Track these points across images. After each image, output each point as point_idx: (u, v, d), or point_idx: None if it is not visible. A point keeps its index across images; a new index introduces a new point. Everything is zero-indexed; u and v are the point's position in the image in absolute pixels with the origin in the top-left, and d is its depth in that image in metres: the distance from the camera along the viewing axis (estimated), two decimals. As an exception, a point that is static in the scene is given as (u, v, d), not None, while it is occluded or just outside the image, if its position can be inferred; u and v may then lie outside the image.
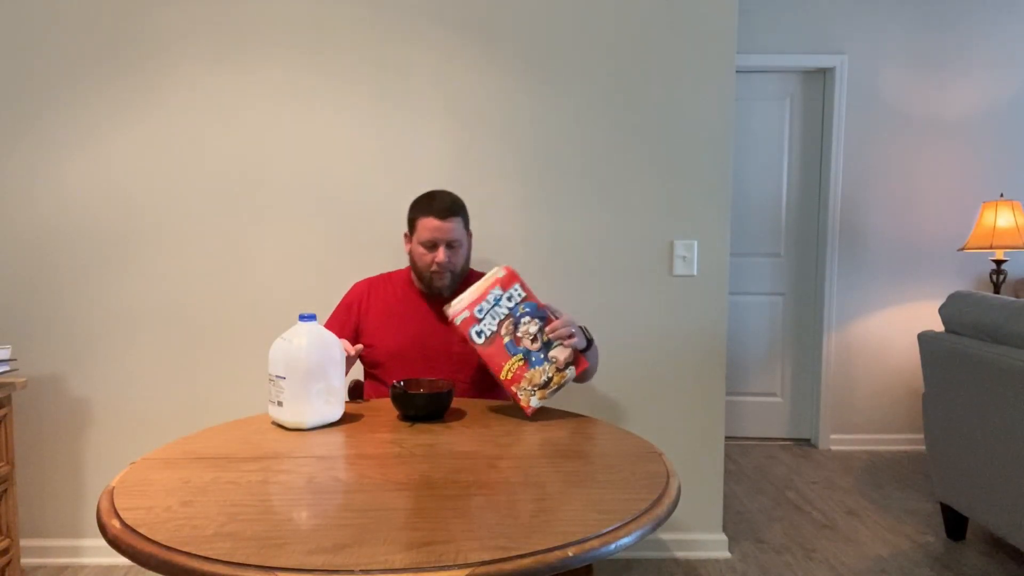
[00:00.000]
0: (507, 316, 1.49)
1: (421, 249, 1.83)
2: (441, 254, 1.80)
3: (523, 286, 1.53)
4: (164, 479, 1.17)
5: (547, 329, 1.55)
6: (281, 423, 1.50)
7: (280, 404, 1.48)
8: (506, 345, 1.48)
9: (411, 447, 1.36)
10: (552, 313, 1.59)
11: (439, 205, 1.80)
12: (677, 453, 2.46)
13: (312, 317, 1.53)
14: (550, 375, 1.49)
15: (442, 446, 1.36)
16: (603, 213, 2.39)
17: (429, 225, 1.80)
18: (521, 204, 2.39)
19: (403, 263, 2.35)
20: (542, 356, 1.50)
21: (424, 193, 1.88)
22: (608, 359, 2.43)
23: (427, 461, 1.27)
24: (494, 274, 1.53)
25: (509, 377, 1.47)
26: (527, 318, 1.50)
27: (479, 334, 1.48)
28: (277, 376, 1.48)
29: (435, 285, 1.84)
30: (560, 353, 1.51)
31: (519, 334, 1.49)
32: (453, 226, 1.80)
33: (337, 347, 1.54)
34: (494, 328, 1.48)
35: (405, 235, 1.93)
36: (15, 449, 2.39)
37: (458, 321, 1.49)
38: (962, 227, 3.77)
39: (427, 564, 0.87)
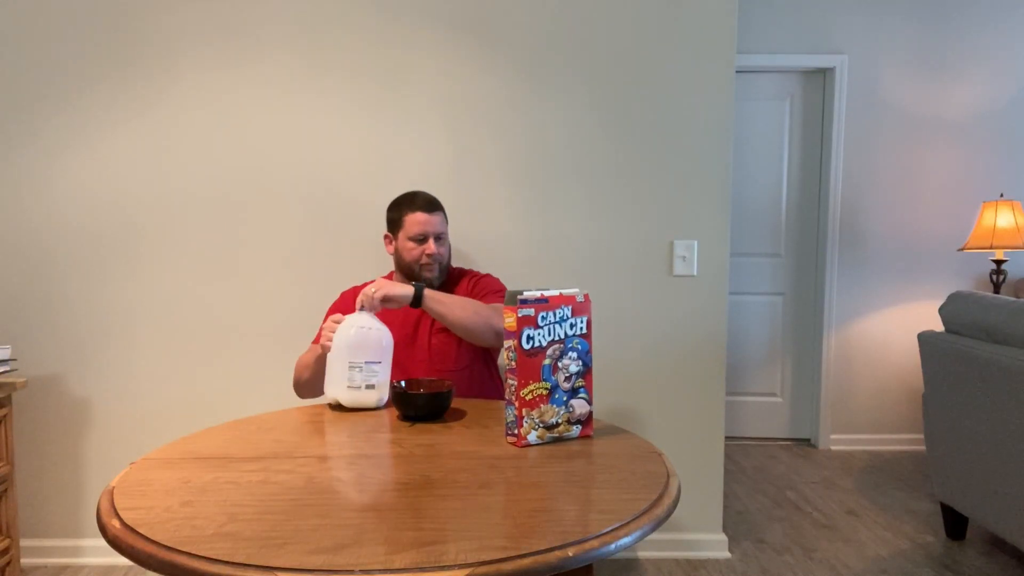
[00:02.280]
0: (560, 340, 1.39)
1: (410, 244, 1.90)
2: (431, 245, 1.88)
3: (589, 323, 1.44)
4: (164, 479, 1.17)
5: None
6: (365, 405, 1.61)
7: (372, 387, 1.60)
8: (543, 367, 1.38)
9: (411, 447, 1.36)
10: None
11: (423, 200, 1.91)
12: (677, 453, 2.46)
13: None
14: (560, 421, 1.40)
15: (442, 446, 1.36)
16: (603, 213, 2.39)
17: (418, 219, 1.89)
18: (520, 204, 2.39)
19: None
20: (565, 398, 1.40)
21: (403, 194, 1.98)
22: (608, 359, 2.43)
23: (427, 461, 1.27)
24: (573, 293, 1.43)
25: (528, 398, 1.36)
26: (574, 354, 1.41)
27: (529, 339, 1.36)
28: (371, 362, 1.59)
29: (425, 277, 1.91)
30: (579, 407, 1.42)
31: (559, 364, 1.39)
32: (439, 219, 1.91)
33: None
34: (543, 344, 1.38)
35: (386, 236, 1.99)
36: (15, 449, 2.39)
37: (520, 313, 1.35)
38: (962, 227, 3.77)
39: (427, 564, 0.86)
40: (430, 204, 1.91)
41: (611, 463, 1.27)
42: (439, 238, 1.90)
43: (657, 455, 1.32)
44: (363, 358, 1.59)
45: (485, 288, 1.97)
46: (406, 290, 1.69)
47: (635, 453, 1.33)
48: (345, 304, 1.97)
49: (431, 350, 1.88)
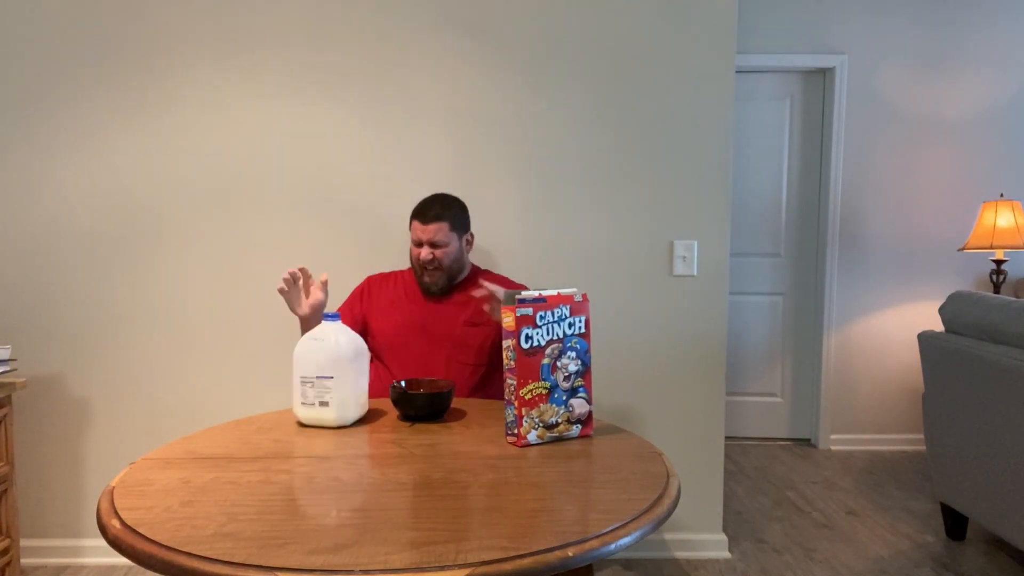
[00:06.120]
0: (558, 340, 1.41)
1: (412, 248, 2.02)
2: (423, 252, 1.96)
3: (587, 322, 1.45)
4: (164, 479, 1.17)
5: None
6: (323, 423, 1.50)
7: (326, 404, 1.49)
8: (542, 366, 1.39)
9: (411, 447, 1.36)
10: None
11: (425, 210, 1.98)
12: (677, 453, 2.46)
13: (336, 316, 1.56)
14: (559, 421, 1.41)
15: (442, 446, 1.36)
16: (603, 213, 2.39)
17: (416, 227, 1.98)
18: (521, 204, 2.39)
19: (401, 263, 2.36)
20: (564, 398, 1.42)
21: (424, 198, 2.03)
22: (608, 359, 2.43)
23: (427, 461, 1.27)
24: (571, 293, 1.44)
25: (527, 398, 1.37)
26: (573, 354, 1.42)
27: (527, 339, 1.38)
28: (322, 377, 1.49)
29: (424, 280, 1.99)
30: (579, 406, 1.44)
31: (558, 364, 1.41)
32: (435, 228, 1.96)
33: (361, 340, 1.59)
34: (542, 343, 1.39)
35: None
36: (15, 449, 2.39)
37: (518, 313, 1.37)
38: (962, 227, 3.77)
39: (427, 564, 0.87)
40: (429, 215, 1.97)
41: (611, 463, 1.27)
42: (435, 245, 1.96)
43: (657, 455, 1.32)
44: (313, 372, 1.49)
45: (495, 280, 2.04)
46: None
47: (635, 453, 1.33)
48: (367, 286, 2.09)
49: (454, 340, 1.95)
